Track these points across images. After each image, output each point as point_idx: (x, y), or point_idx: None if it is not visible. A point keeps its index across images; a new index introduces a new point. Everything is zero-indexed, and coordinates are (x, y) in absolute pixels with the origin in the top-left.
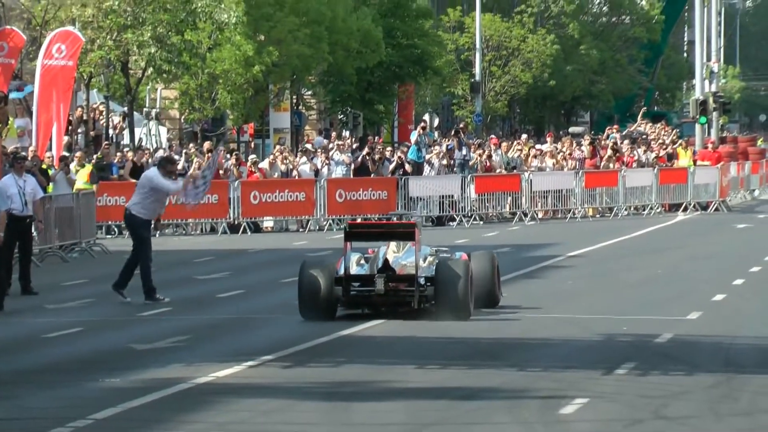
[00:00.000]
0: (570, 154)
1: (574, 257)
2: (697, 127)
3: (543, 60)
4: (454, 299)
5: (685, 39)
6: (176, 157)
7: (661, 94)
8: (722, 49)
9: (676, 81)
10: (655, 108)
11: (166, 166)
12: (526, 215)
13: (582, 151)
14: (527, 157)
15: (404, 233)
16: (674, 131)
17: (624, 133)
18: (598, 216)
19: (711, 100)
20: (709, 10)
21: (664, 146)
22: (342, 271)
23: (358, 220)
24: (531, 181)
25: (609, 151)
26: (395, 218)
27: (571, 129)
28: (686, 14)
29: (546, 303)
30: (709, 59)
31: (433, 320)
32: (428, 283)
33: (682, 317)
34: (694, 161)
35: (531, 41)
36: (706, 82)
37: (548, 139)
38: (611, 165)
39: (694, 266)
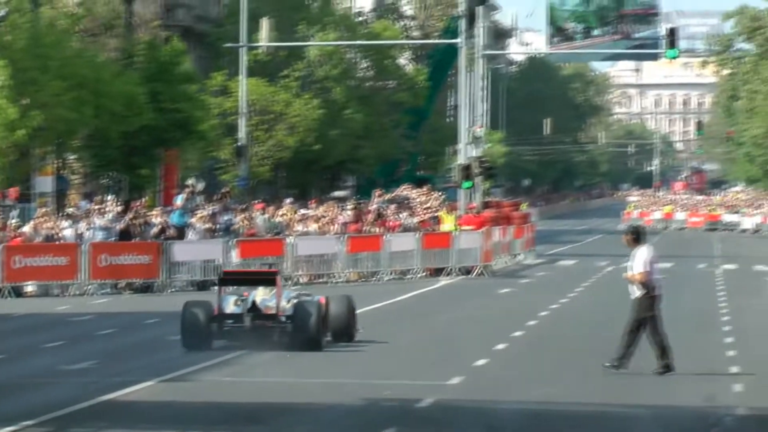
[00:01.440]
0: (334, 219)
1: None
2: (461, 191)
3: (308, 124)
4: (307, 334)
5: (451, 104)
6: None
7: (425, 159)
8: (487, 114)
9: (440, 145)
10: (420, 172)
11: None
12: (289, 279)
13: (346, 216)
14: (292, 222)
15: (268, 280)
16: (438, 196)
17: (388, 197)
18: (361, 280)
19: (475, 164)
20: (474, 75)
21: (428, 210)
22: (209, 317)
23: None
24: (295, 245)
25: (372, 216)
26: (264, 267)
27: (336, 193)
28: (451, 79)
29: (316, 369)
30: (473, 124)
31: (289, 351)
32: (288, 321)
33: (443, 382)
34: (458, 225)
35: (296, 105)
36: (471, 146)
37: (313, 204)
38: (375, 229)
39: (456, 331)
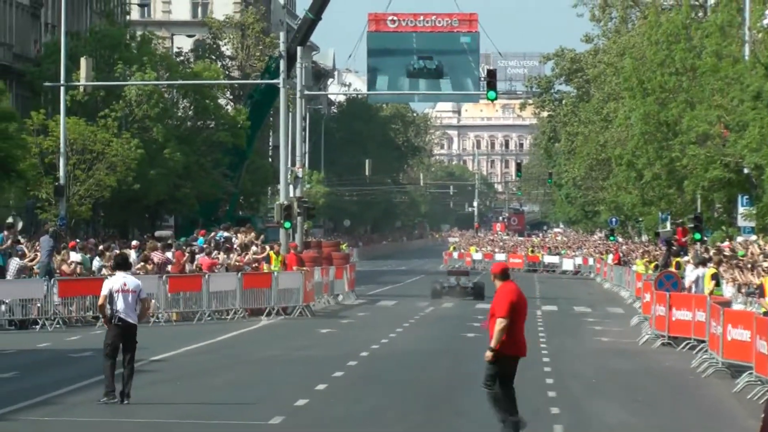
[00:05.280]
0: (160, 259)
1: (158, 361)
2: (282, 231)
3: (127, 163)
4: (480, 294)
5: (271, 144)
6: None
7: (246, 199)
8: (307, 155)
9: (261, 186)
10: (240, 212)
11: None
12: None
13: (167, 255)
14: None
15: (466, 273)
16: (260, 236)
17: (210, 237)
18: (181, 320)
19: (295, 204)
20: (294, 115)
21: (255, 252)
22: (442, 285)
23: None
24: None
25: (187, 255)
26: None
27: (158, 233)
28: (271, 119)
29: (135, 408)
30: (293, 164)
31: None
32: (472, 289)
33: (264, 422)
34: (282, 266)
35: (115, 145)
36: (291, 186)
37: (134, 244)
38: (195, 269)
39: (277, 371)
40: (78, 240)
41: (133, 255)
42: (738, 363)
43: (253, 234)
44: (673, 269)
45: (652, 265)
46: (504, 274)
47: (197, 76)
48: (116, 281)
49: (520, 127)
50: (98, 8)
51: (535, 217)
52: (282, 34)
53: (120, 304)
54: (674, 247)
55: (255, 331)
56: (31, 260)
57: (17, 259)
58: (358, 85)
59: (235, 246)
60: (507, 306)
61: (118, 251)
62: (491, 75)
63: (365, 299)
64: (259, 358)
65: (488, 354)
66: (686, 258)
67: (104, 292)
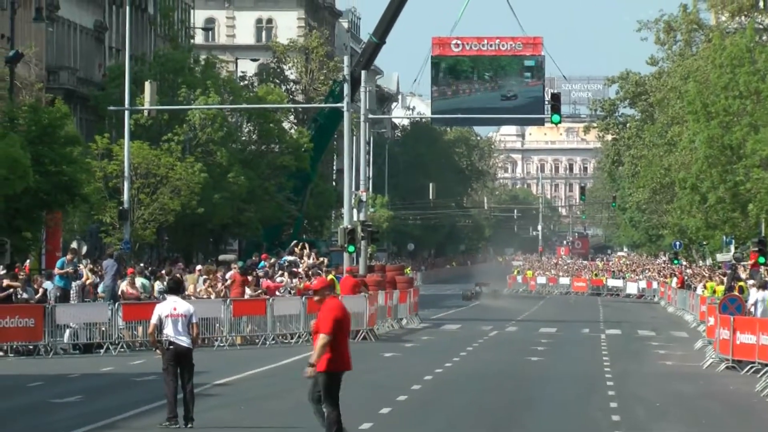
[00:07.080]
0: (218, 282)
1: (221, 385)
2: (345, 255)
3: (191, 187)
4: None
5: (335, 168)
6: None
7: (310, 223)
8: (371, 178)
9: (325, 209)
10: (304, 236)
11: None
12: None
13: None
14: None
15: (486, 283)
16: (323, 260)
17: (272, 261)
18: (245, 344)
19: (359, 228)
20: (358, 139)
21: (313, 275)
22: (471, 292)
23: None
24: None
25: (251, 278)
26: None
27: (222, 257)
28: (335, 143)
29: None
30: (357, 188)
31: None
32: (492, 294)
33: None
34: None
35: (179, 169)
36: (355, 210)
37: (199, 267)
38: (259, 293)
39: (341, 394)
40: (142, 264)
41: (200, 281)
42: None
43: (319, 259)
44: (736, 293)
45: (720, 289)
46: (329, 289)
47: (261, 100)
48: (166, 306)
49: (584, 151)
50: (162, 32)
51: (598, 240)
52: (346, 58)
53: (170, 329)
54: (735, 272)
55: None
56: (91, 283)
57: (78, 281)
58: (422, 108)
59: (299, 270)
60: (331, 323)
61: (179, 275)
62: (555, 98)
63: (429, 323)
64: None
65: (308, 370)
66: (750, 281)
67: (153, 319)
